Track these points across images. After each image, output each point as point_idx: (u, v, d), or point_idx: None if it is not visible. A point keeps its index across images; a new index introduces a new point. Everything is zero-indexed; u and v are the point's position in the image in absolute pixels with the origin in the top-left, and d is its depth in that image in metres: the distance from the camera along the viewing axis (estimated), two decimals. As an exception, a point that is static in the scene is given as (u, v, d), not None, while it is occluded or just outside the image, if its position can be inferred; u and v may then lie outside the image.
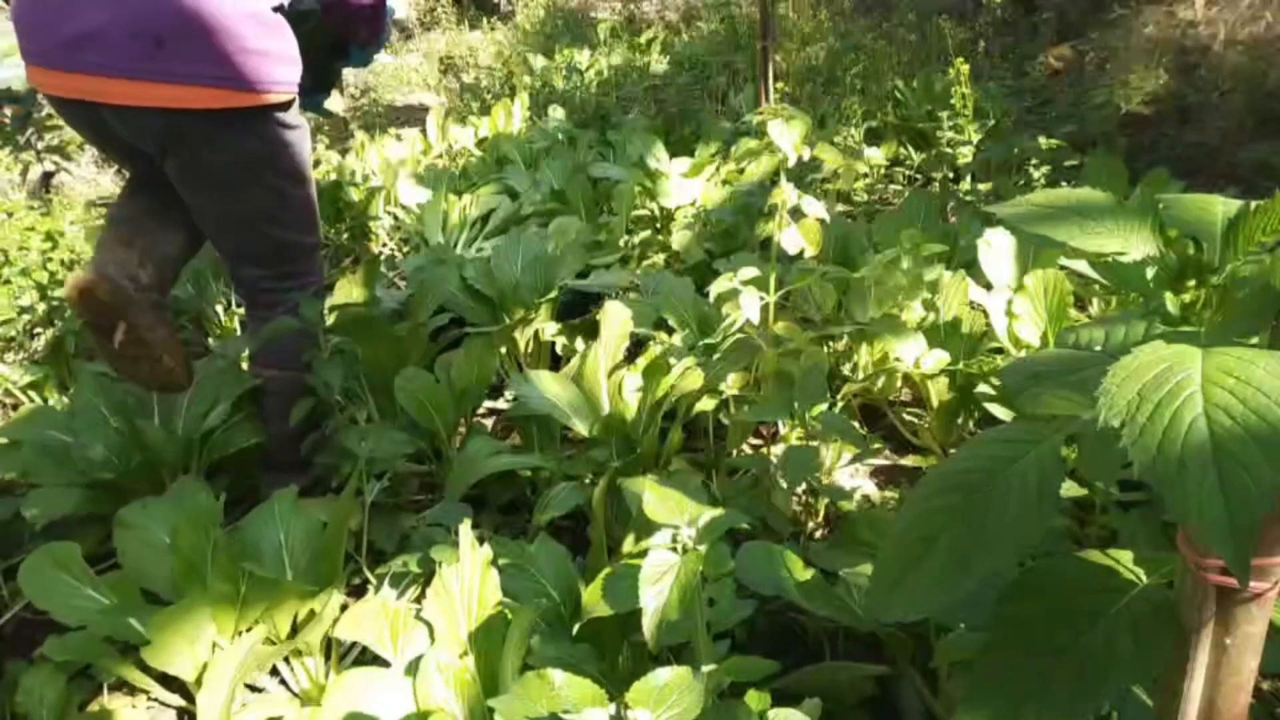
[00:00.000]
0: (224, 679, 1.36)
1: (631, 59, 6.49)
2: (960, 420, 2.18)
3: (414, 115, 6.42)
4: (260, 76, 1.75)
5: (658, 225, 3.57)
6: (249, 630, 1.49)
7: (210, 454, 2.14)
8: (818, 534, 1.97)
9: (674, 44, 6.88)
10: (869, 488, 2.15)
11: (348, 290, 2.72)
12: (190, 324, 3.09)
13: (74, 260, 3.50)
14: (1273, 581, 0.73)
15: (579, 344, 2.48)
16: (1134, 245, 0.87)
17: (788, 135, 1.86)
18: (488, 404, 2.59)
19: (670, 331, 2.30)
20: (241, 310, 3.00)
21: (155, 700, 1.67)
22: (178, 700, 1.60)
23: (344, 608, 1.48)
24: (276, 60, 1.78)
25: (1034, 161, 3.40)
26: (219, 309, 3.11)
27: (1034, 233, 0.90)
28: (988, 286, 2.21)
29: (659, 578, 1.08)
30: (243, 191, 1.87)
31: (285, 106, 1.84)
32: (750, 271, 1.97)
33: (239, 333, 3.01)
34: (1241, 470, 0.61)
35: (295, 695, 1.60)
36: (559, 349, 2.56)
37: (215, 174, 1.84)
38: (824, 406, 1.76)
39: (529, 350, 2.61)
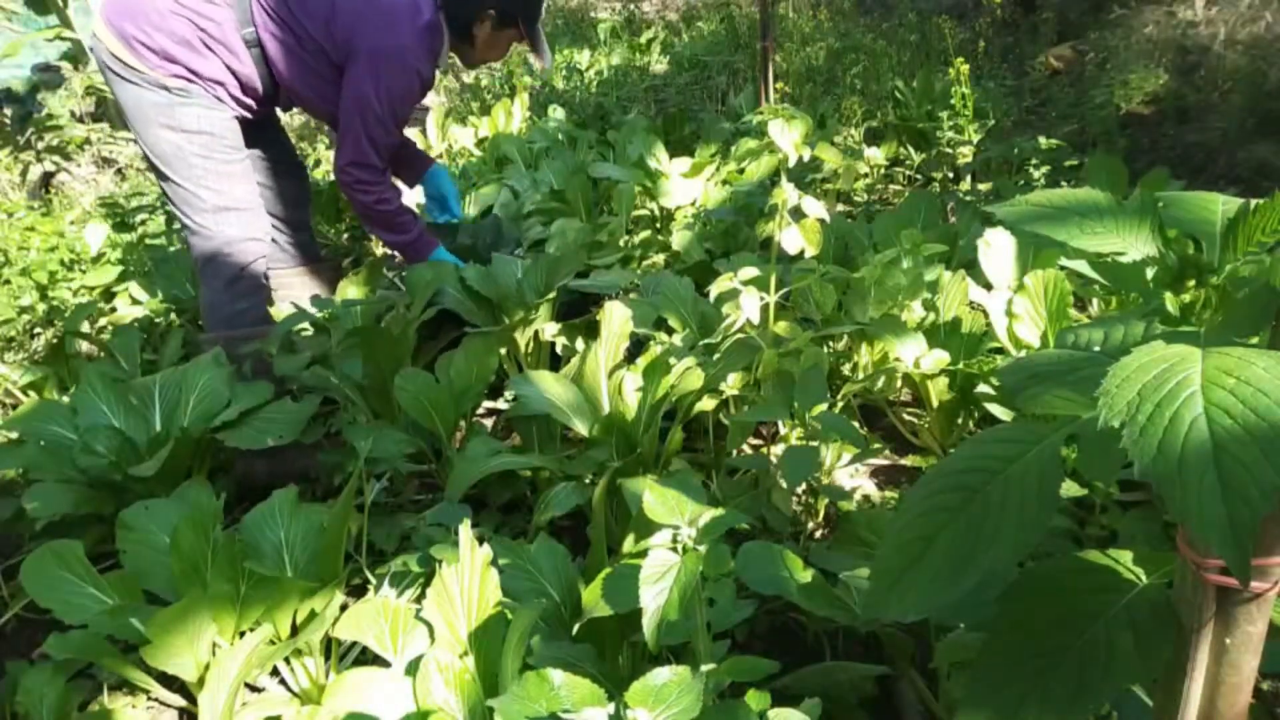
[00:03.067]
0: (225, 679, 1.36)
1: (631, 59, 6.49)
2: (960, 420, 2.18)
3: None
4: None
5: (658, 225, 3.57)
6: (249, 630, 1.49)
7: (214, 455, 2.14)
8: (818, 534, 1.97)
9: (674, 44, 6.88)
10: (869, 488, 2.15)
11: (347, 290, 2.72)
12: (191, 323, 3.09)
13: (74, 260, 3.50)
14: (1273, 581, 0.73)
15: (579, 344, 2.48)
16: (1134, 245, 0.87)
17: (788, 135, 1.86)
18: (488, 404, 2.59)
19: (670, 331, 2.30)
20: None
21: (155, 700, 1.67)
22: (178, 700, 1.60)
23: (344, 608, 1.48)
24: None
25: (1034, 161, 3.40)
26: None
27: (1034, 233, 0.90)
28: (988, 286, 2.21)
29: (659, 578, 1.08)
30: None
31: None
32: (750, 271, 1.96)
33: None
34: (1241, 470, 0.61)
35: (295, 695, 1.60)
36: (559, 349, 2.56)
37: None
38: (824, 406, 1.76)
39: (529, 350, 2.61)
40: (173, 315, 3.07)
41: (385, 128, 2.47)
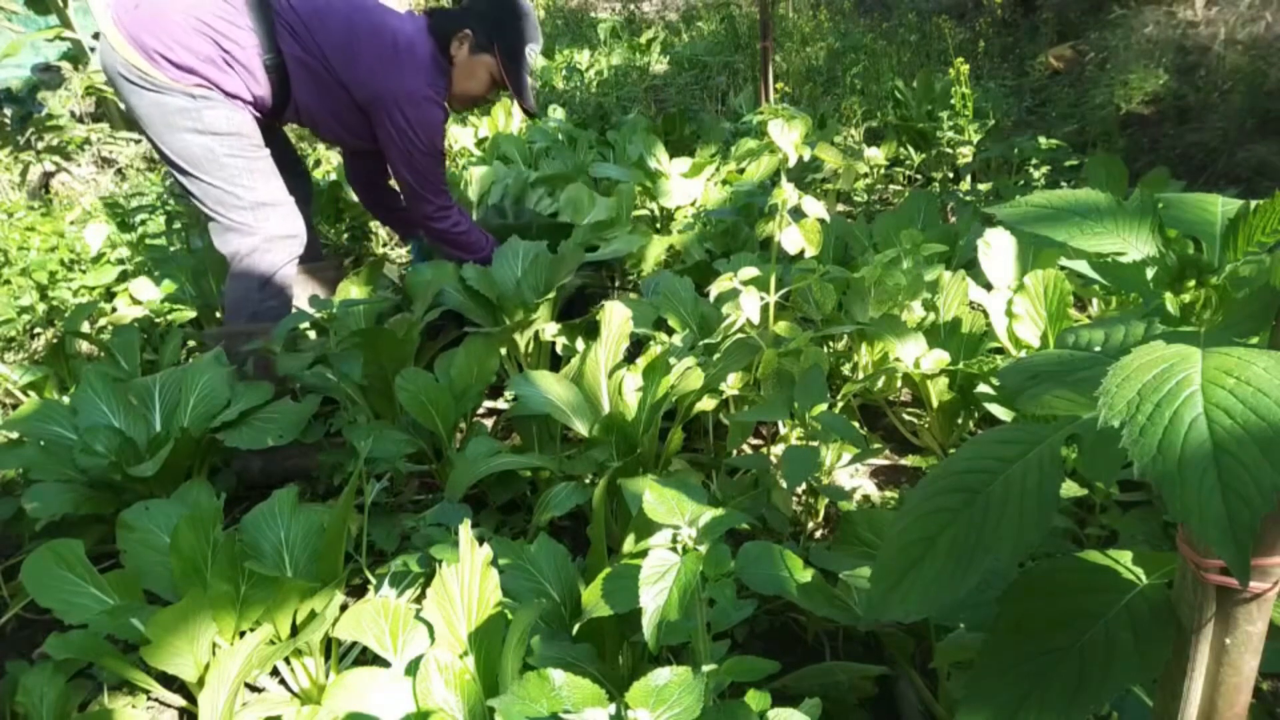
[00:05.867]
0: (226, 679, 1.36)
1: (631, 59, 6.49)
2: (960, 420, 2.18)
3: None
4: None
5: (658, 225, 3.57)
6: (249, 630, 1.49)
7: (214, 455, 2.14)
8: (818, 534, 1.97)
9: (674, 44, 6.88)
10: (869, 488, 2.15)
11: (349, 290, 2.72)
12: (190, 324, 3.09)
13: (74, 260, 3.50)
14: (1273, 581, 0.73)
15: (579, 344, 2.48)
16: (1134, 245, 0.87)
17: (788, 135, 1.86)
18: (488, 404, 2.59)
19: (670, 331, 2.30)
20: None
21: (156, 700, 1.67)
22: (178, 700, 1.61)
23: (344, 608, 1.48)
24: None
25: (1034, 161, 3.40)
26: (220, 313, 3.11)
27: (1034, 233, 0.90)
28: (988, 286, 2.21)
29: (659, 578, 1.08)
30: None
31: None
32: (750, 271, 1.96)
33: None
34: (1241, 470, 0.61)
35: (295, 695, 1.60)
36: (559, 349, 2.56)
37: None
38: (824, 406, 1.76)
39: (529, 350, 2.61)
40: (172, 315, 3.07)
41: (433, 158, 2.60)
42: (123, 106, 2.50)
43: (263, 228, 2.42)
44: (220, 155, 2.34)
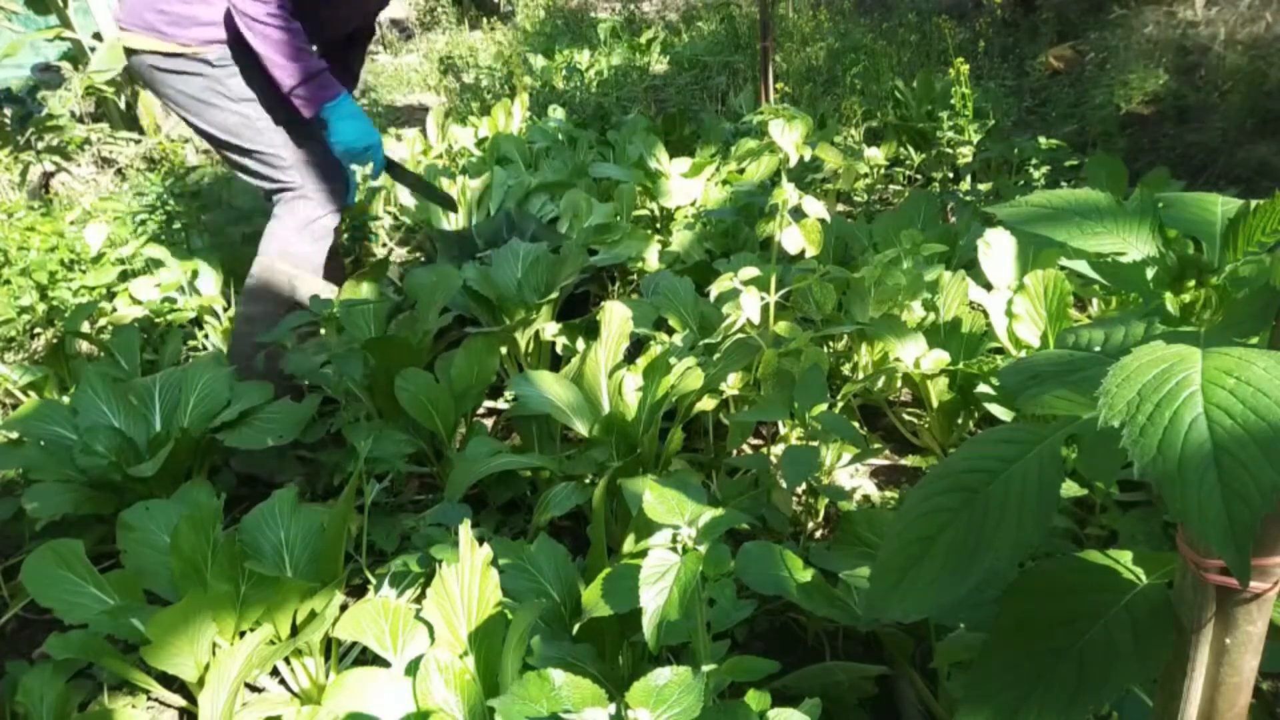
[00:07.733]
0: (226, 679, 1.36)
1: (631, 59, 6.49)
2: (960, 420, 2.18)
3: (414, 115, 6.41)
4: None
5: (658, 225, 3.57)
6: (249, 630, 1.49)
7: (214, 455, 2.14)
8: (818, 534, 1.97)
9: (674, 44, 6.88)
10: (869, 488, 2.15)
11: (352, 290, 2.72)
12: (191, 323, 3.09)
13: (74, 260, 3.50)
14: (1273, 581, 0.73)
15: (579, 344, 2.48)
16: (1133, 245, 0.87)
17: (788, 135, 1.86)
18: (488, 404, 2.59)
19: (670, 331, 2.30)
20: None
21: (156, 700, 1.67)
22: (178, 700, 1.61)
23: (344, 608, 1.48)
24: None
25: (1034, 161, 3.40)
26: (219, 309, 3.12)
27: (1034, 233, 0.90)
28: (988, 286, 2.21)
29: (659, 578, 1.08)
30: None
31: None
32: (750, 271, 1.96)
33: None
34: (1241, 470, 0.61)
35: (295, 695, 1.60)
36: (559, 349, 2.56)
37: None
38: (824, 406, 1.76)
39: (529, 350, 2.61)
40: (173, 315, 3.07)
41: None
42: (158, 105, 2.56)
43: (310, 182, 2.45)
44: (254, 120, 2.38)
